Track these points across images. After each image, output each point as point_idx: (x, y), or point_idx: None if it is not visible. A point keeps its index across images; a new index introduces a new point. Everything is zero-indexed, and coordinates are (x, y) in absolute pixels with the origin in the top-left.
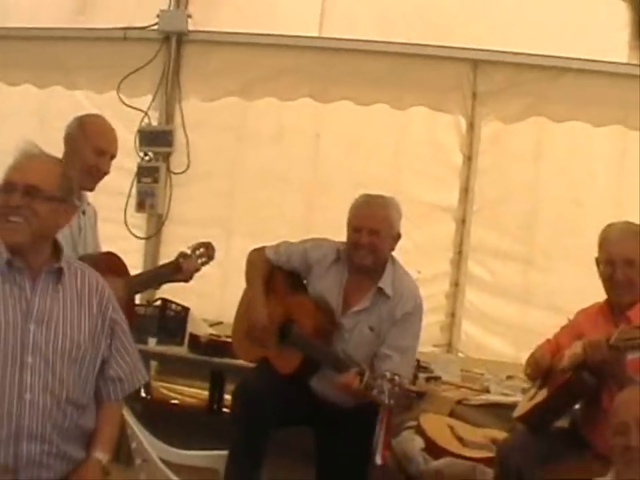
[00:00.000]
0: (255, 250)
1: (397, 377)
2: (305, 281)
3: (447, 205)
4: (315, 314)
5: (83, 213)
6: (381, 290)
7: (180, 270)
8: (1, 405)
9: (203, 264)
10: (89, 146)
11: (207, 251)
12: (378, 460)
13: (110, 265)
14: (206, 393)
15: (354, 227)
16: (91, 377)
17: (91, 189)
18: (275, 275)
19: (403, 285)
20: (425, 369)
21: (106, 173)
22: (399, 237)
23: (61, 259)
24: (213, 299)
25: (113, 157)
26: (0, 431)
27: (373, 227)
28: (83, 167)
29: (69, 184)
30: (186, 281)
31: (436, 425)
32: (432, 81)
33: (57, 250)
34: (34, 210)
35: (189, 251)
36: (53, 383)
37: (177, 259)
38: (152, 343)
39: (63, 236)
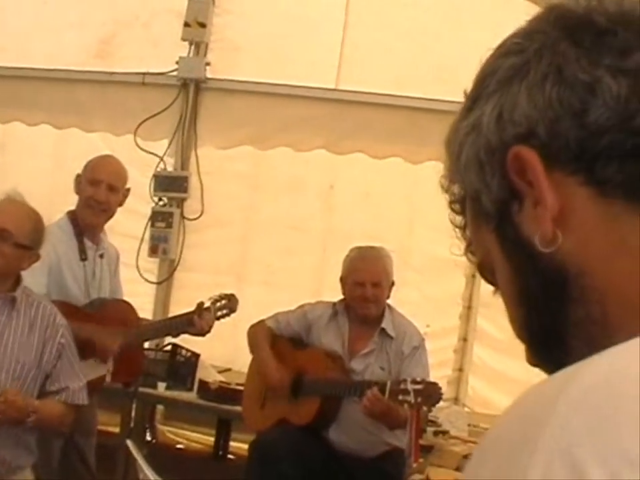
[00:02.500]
0: (253, 324)
1: (418, 378)
2: (306, 343)
3: (457, 259)
4: (324, 363)
5: (101, 256)
6: (384, 331)
7: (192, 325)
8: None
9: (223, 316)
10: (85, 179)
11: (228, 303)
12: (412, 463)
13: (119, 312)
14: (212, 439)
15: (356, 282)
16: (31, 393)
17: (96, 224)
18: (277, 342)
19: (404, 325)
20: (433, 423)
21: (104, 204)
22: (393, 284)
23: (16, 290)
24: (223, 345)
25: (111, 187)
26: None
27: (375, 280)
28: (83, 202)
29: (38, 236)
30: (200, 335)
31: (444, 479)
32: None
33: (17, 281)
34: (3, 252)
35: (208, 302)
36: None
37: (192, 313)
38: (161, 387)
39: (75, 279)
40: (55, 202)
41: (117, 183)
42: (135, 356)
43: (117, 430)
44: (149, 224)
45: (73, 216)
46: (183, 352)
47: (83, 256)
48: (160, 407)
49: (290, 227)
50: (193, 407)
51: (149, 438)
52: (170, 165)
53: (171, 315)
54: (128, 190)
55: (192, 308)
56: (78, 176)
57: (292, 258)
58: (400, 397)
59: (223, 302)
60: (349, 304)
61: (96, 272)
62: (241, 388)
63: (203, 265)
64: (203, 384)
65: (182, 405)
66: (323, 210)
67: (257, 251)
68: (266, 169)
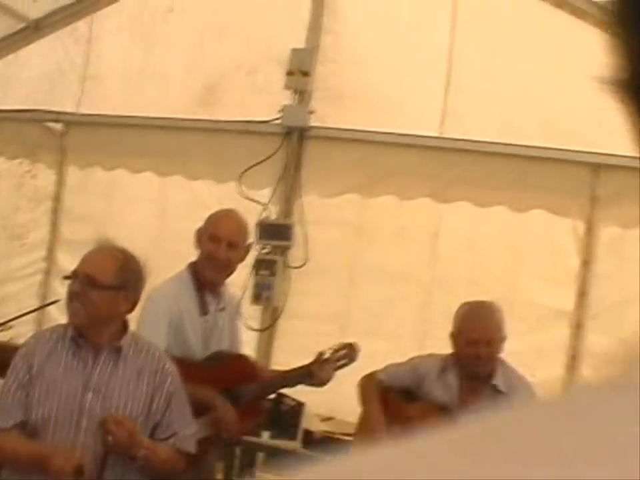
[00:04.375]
0: (364, 376)
1: None
2: (418, 398)
3: (562, 308)
4: (435, 417)
5: (222, 309)
6: (495, 387)
7: (312, 377)
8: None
9: (343, 366)
10: (206, 233)
11: (349, 352)
12: None
13: (238, 368)
14: None
15: (469, 340)
16: None
17: (216, 281)
18: (388, 395)
19: (515, 379)
20: None
21: (224, 261)
22: (504, 339)
23: (122, 338)
24: (325, 394)
25: (231, 244)
26: None
27: (488, 338)
28: (204, 257)
29: (129, 275)
30: (320, 386)
31: None
32: (552, 184)
33: (124, 329)
34: (89, 297)
35: (328, 353)
36: None
37: (311, 364)
38: (265, 436)
39: (195, 334)
40: (159, 249)
41: (238, 240)
42: (252, 410)
43: (219, 477)
44: (253, 272)
45: (194, 269)
46: (287, 400)
47: (204, 310)
48: (260, 454)
49: (394, 276)
50: (296, 456)
51: None
52: (273, 213)
53: (273, 362)
54: (249, 245)
55: (295, 356)
56: (199, 230)
57: (396, 307)
58: None
59: (344, 351)
60: (459, 359)
61: (217, 325)
62: (345, 438)
63: (306, 313)
64: (308, 433)
65: (285, 454)
66: (427, 259)
67: (360, 300)
68: (370, 217)
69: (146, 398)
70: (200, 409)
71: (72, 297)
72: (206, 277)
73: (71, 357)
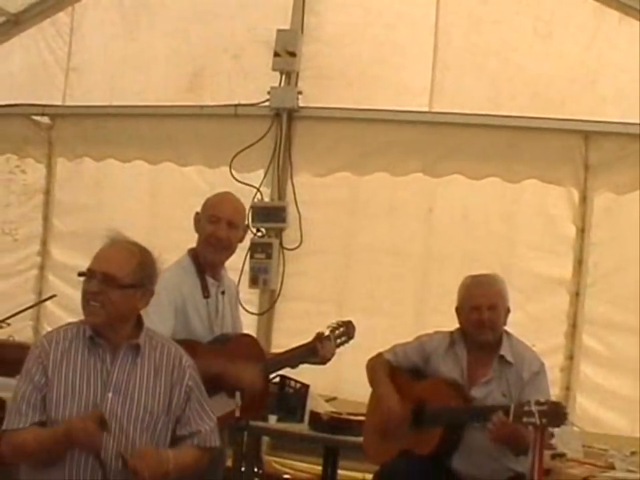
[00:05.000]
0: (371, 357)
1: (545, 398)
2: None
3: (560, 277)
4: (445, 392)
5: (222, 293)
6: (502, 358)
7: (316, 354)
8: (77, 463)
9: (342, 344)
10: (204, 216)
11: (346, 330)
12: None
13: (244, 346)
14: (319, 468)
15: (472, 306)
16: (163, 441)
17: (218, 261)
18: (396, 373)
19: (522, 350)
20: (549, 446)
21: (225, 240)
22: (509, 310)
23: (140, 336)
24: (327, 375)
25: (230, 223)
26: None
27: (491, 303)
28: (204, 240)
29: (145, 272)
30: (322, 363)
31: None
32: (543, 153)
33: (139, 325)
34: (108, 297)
35: (327, 332)
36: (125, 445)
37: (313, 341)
38: (272, 420)
39: (200, 318)
40: (153, 236)
41: (237, 219)
42: (261, 389)
43: (228, 464)
44: (248, 255)
45: (194, 254)
46: (292, 383)
47: (206, 293)
48: (265, 438)
49: (389, 252)
50: (304, 438)
51: (255, 469)
52: (266, 196)
53: (273, 345)
54: (247, 226)
55: (294, 337)
56: (197, 214)
57: (392, 283)
58: (524, 419)
59: (342, 329)
60: (465, 332)
61: (219, 308)
62: (353, 418)
63: (303, 294)
64: (314, 415)
65: (292, 437)
66: (422, 233)
67: (357, 278)
68: (363, 195)
69: (165, 394)
70: (214, 383)
71: (90, 296)
72: (207, 258)
73: (88, 356)
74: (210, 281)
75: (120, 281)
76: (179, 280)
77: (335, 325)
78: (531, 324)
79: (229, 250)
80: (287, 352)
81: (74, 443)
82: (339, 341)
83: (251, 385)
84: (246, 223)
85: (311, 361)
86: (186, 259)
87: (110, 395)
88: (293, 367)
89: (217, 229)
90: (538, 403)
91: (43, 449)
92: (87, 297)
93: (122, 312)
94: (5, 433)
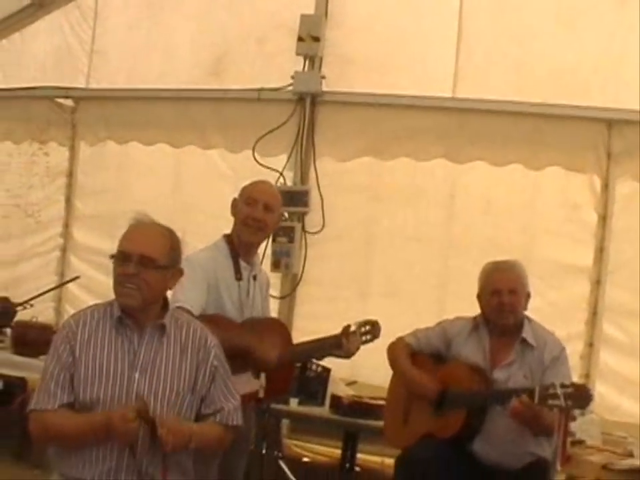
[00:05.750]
0: (392, 342)
1: (566, 381)
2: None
3: (581, 265)
4: (467, 375)
5: (254, 277)
6: (524, 341)
7: (341, 347)
8: (104, 444)
9: (366, 342)
10: (242, 200)
11: (372, 329)
12: (558, 466)
13: (273, 330)
14: (338, 452)
15: (493, 290)
16: (188, 419)
17: (253, 242)
18: (417, 358)
19: (544, 334)
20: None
21: (261, 221)
22: (529, 296)
23: (165, 316)
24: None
25: (267, 206)
26: (102, 465)
27: (511, 287)
28: (240, 221)
29: (176, 253)
30: (346, 358)
31: None
32: (566, 140)
33: (165, 306)
34: (145, 279)
35: (354, 327)
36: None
37: (339, 335)
38: (293, 403)
39: (231, 299)
40: (175, 219)
41: (273, 203)
42: (285, 374)
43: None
44: (271, 239)
45: (228, 239)
46: (313, 367)
47: (238, 276)
48: (285, 421)
49: (411, 238)
50: (324, 421)
51: (275, 452)
52: (289, 180)
53: (294, 328)
54: (282, 214)
55: (316, 321)
56: (234, 200)
57: (413, 268)
58: (549, 402)
59: (368, 327)
60: (487, 317)
61: (250, 292)
62: (374, 402)
63: (325, 279)
64: (336, 398)
65: (313, 420)
66: (443, 219)
67: (378, 263)
68: (386, 180)
69: (191, 374)
70: (240, 359)
71: (125, 279)
72: (242, 239)
73: (115, 336)
74: (242, 264)
75: (156, 262)
76: (213, 260)
77: (362, 322)
78: (552, 311)
79: (264, 232)
80: (312, 341)
81: (111, 434)
82: (364, 338)
83: (274, 364)
84: (282, 210)
85: (335, 353)
86: (221, 242)
87: (137, 375)
88: (319, 358)
89: (253, 210)
90: (563, 386)
91: (77, 434)
92: (121, 279)
93: (156, 293)
94: (33, 413)
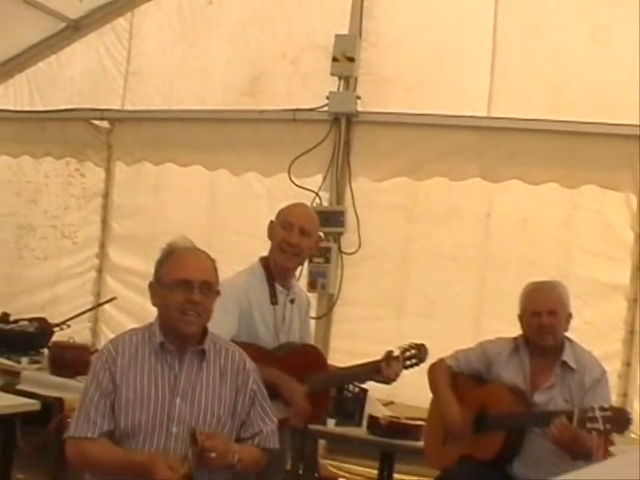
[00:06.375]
0: (433, 363)
1: (605, 404)
2: (487, 381)
3: (618, 283)
4: (507, 397)
5: (291, 301)
6: (565, 364)
7: (380, 373)
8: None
9: (411, 366)
10: (278, 223)
11: (418, 353)
12: None
13: (307, 357)
14: (374, 472)
15: (533, 312)
16: None
17: (288, 267)
18: (458, 379)
19: (585, 356)
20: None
21: (296, 247)
22: (570, 316)
23: (204, 341)
24: None
25: (302, 230)
26: None
27: (551, 308)
28: (276, 245)
29: (218, 276)
30: (386, 383)
31: None
32: (602, 159)
33: (204, 330)
34: (205, 305)
35: (397, 352)
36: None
37: (379, 361)
38: (331, 424)
39: (265, 324)
40: (211, 240)
41: (310, 227)
42: (320, 400)
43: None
44: (307, 260)
45: (264, 262)
46: (351, 387)
47: (274, 300)
48: (322, 441)
49: (447, 257)
50: (361, 442)
51: (311, 472)
52: (325, 200)
53: (331, 349)
54: (320, 237)
55: (352, 341)
56: (271, 222)
57: (450, 288)
58: (588, 425)
59: (413, 351)
60: (528, 338)
61: (286, 316)
62: (411, 422)
63: (361, 299)
64: (373, 419)
65: (351, 441)
66: (480, 238)
67: (414, 282)
68: (421, 200)
69: (230, 398)
70: (270, 390)
71: (190, 306)
72: (277, 263)
73: (155, 361)
74: (279, 288)
75: (214, 288)
76: (247, 284)
77: (406, 347)
78: (589, 330)
79: (300, 257)
80: (351, 367)
81: (150, 477)
82: (408, 362)
83: (299, 405)
84: (319, 233)
85: (375, 379)
86: (257, 265)
87: (178, 400)
88: (359, 382)
89: (289, 235)
90: (602, 409)
91: (116, 468)
92: (185, 307)
93: (208, 318)
94: (71, 439)
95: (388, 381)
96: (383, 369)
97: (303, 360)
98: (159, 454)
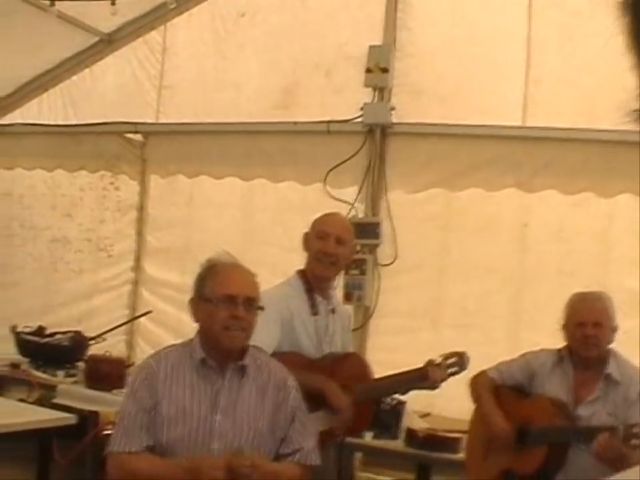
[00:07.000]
0: (475, 375)
1: None
2: (529, 394)
3: None
4: (550, 411)
5: (332, 311)
6: (609, 377)
7: (427, 378)
8: None
9: (453, 374)
10: (313, 233)
11: (459, 360)
12: None
13: (352, 366)
14: None
15: (577, 323)
16: (269, 458)
17: (326, 277)
18: (500, 392)
19: (629, 369)
20: None
21: (332, 256)
22: (616, 329)
23: (245, 357)
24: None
25: (339, 239)
26: None
27: (596, 320)
28: (312, 256)
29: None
30: (432, 389)
31: None
32: (638, 167)
33: (244, 348)
34: (249, 321)
35: (438, 359)
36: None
37: (425, 366)
38: (368, 437)
39: (307, 334)
40: (246, 252)
41: (346, 237)
42: (364, 410)
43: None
44: (343, 271)
45: (302, 274)
46: (388, 399)
47: (314, 311)
48: (358, 454)
49: (484, 268)
50: (400, 455)
51: None
52: (360, 212)
53: (368, 361)
54: (355, 246)
55: (389, 353)
56: (306, 234)
57: (487, 299)
58: (633, 442)
59: (454, 359)
60: (571, 349)
61: (329, 326)
62: (449, 435)
63: (397, 310)
64: (411, 432)
65: (388, 453)
66: (516, 249)
67: (451, 294)
68: (457, 211)
69: (271, 415)
70: (315, 398)
71: (235, 322)
72: (315, 273)
73: (196, 377)
74: (318, 299)
75: (257, 303)
76: (286, 296)
77: (447, 354)
78: (627, 340)
79: (337, 266)
80: (395, 375)
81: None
82: (450, 370)
83: (346, 412)
84: (354, 242)
85: (421, 386)
86: (294, 278)
87: (218, 417)
88: (403, 393)
89: (325, 244)
90: None
91: (162, 478)
92: (229, 323)
93: (251, 334)
94: (113, 455)
95: (435, 385)
96: (430, 373)
97: (348, 369)
98: (202, 458)
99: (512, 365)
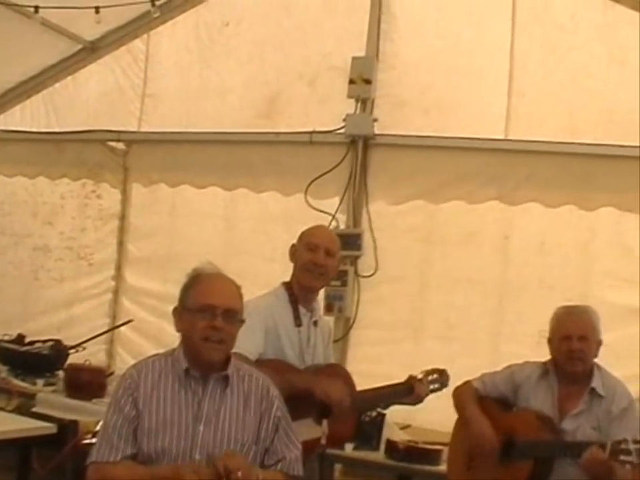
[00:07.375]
0: (459, 385)
1: (637, 435)
2: (513, 406)
3: (637, 306)
4: (535, 424)
5: (315, 323)
6: (593, 391)
7: (412, 392)
8: None
9: (434, 390)
10: (302, 245)
11: (440, 377)
12: None
13: (335, 375)
14: None
15: (563, 336)
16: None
17: (314, 288)
18: (484, 403)
19: (613, 383)
20: None
21: (322, 267)
22: (601, 343)
23: (228, 367)
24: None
25: (328, 251)
26: None
27: (582, 334)
28: (301, 267)
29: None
30: (414, 404)
31: None
32: (620, 181)
33: (227, 358)
34: (230, 332)
35: (420, 375)
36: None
37: (408, 380)
38: (348, 448)
39: (291, 345)
40: (227, 262)
41: (334, 248)
42: (349, 421)
43: None
44: None
45: (287, 285)
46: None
47: (298, 322)
48: (338, 466)
49: (465, 280)
50: (380, 466)
51: None
52: (342, 223)
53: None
54: (341, 259)
55: (370, 364)
56: (293, 245)
57: (468, 310)
58: (621, 457)
59: (435, 376)
60: (557, 362)
61: (310, 338)
62: (429, 447)
63: (378, 322)
64: (391, 443)
65: (368, 465)
66: (498, 261)
67: (433, 305)
68: (439, 223)
69: (254, 425)
70: (304, 400)
71: (213, 332)
72: (302, 285)
73: (179, 387)
74: (302, 310)
75: (239, 315)
76: (271, 305)
77: (429, 370)
78: (607, 353)
79: (326, 277)
80: (379, 388)
81: None
82: (431, 386)
83: (340, 401)
84: (341, 255)
85: (404, 401)
86: (279, 289)
87: (201, 427)
88: (385, 407)
89: (315, 256)
90: (635, 441)
91: None
92: (207, 334)
93: (232, 346)
94: (93, 464)
95: (417, 400)
96: (415, 387)
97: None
98: (183, 463)
99: (496, 377)
